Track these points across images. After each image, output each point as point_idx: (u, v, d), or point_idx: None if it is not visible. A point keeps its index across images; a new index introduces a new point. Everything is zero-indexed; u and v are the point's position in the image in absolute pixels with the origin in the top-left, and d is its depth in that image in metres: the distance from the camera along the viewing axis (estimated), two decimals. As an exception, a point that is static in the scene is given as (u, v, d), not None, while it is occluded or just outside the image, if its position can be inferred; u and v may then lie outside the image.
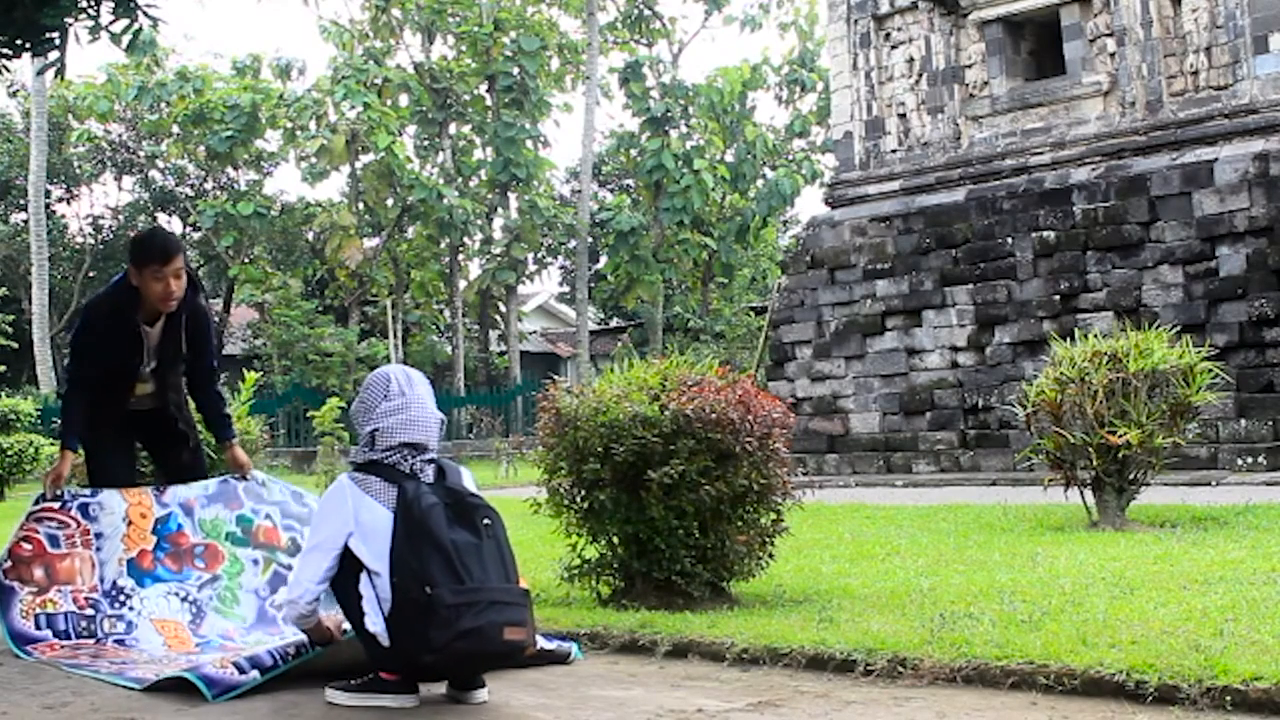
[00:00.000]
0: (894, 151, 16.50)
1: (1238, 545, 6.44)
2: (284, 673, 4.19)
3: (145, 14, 4.96)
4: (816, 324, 16.30)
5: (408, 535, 3.80)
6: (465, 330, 32.08)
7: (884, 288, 15.77)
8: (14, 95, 33.08)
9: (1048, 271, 14.43)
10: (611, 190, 38.32)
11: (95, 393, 5.36)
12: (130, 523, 5.23)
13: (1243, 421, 12.70)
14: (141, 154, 32.58)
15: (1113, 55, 14.63)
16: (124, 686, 4.31)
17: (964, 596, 5.16)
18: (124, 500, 5.29)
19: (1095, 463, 7.66)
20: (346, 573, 3.92)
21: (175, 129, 30.07)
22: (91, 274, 32.54)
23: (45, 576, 5.03)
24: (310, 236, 31.81)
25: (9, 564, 5.04)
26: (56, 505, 5.20)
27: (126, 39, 4.98)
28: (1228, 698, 3.52)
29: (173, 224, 33.16)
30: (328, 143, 28.44)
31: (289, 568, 5.15)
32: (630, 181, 36.03)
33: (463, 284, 31.29)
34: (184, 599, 5.15)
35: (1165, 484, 9.87)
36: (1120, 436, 7.49)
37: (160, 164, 32.85)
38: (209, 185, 32.83)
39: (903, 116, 16.45)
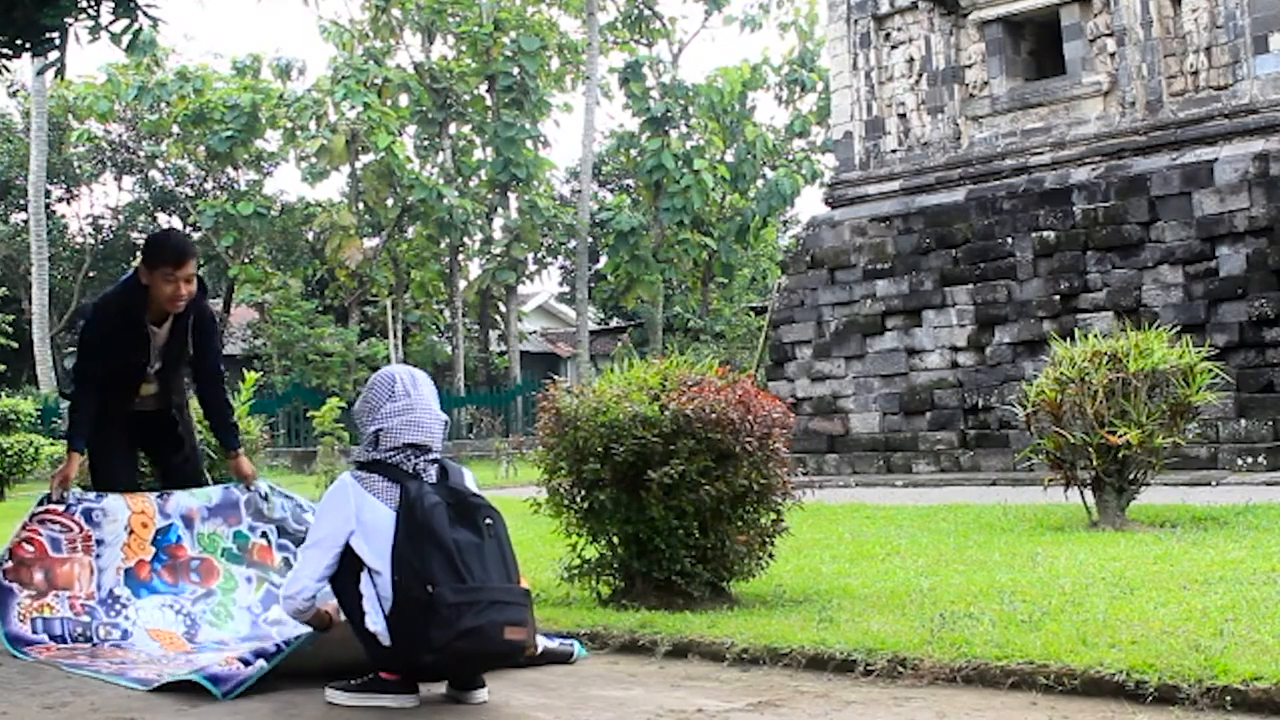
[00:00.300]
0: (894, 151, 16.49)
1: (1238, 545, 6.43)
2: (284, 663, 4.18)
3: (145, 14, 4.96)
4: (816, 324, 16.30)
5: (410, 534, 3.80)
6: (465, 330, 32.08)
7: (884, 288, 15.76)
8: (14, 95, 33.10)
9: (1048, 271, 14.43)
10: (611, 190, 38.32)
11: (102, 393, 5.35)
12: (131, 531, 5.23)
13: (1243, 421, 12.70)
14: (141, 154, 32.59)
15: (1113, 55, 14.62)
16: (126, 687, 4.31)
17: (964, 596, 5.16)
18: (128, 508, 5.27)
19: (1095, 463, 7.66)
20: (347, 571, 3.92)
21: (175, 129, 30.07)
22: (91, 274, 32.55)
23: (45, 580, 5.02)
24: (310, 236, 31.81)
25: (10, 564, 5.03)
26: (61, 508, 5.19)
27: (126, 39, 4.98)
28: (1228, 698, 3.51)
29: (173, 224, 33.16)
30: (328, 143, 28.45)
31: (279, 586, 5.14)
32: (630, 181, 36.03)
33: (463, 284, 31.29)
34: (178, 612, 5.15)
35: (1165, 484, 9.86)
36: (1120, 436, 7.49)
37: (160, 164, 32.86)
38: (209, 185, 32.83)
39: (903, 116, 16.45)
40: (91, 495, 5.33)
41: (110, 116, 30.34)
